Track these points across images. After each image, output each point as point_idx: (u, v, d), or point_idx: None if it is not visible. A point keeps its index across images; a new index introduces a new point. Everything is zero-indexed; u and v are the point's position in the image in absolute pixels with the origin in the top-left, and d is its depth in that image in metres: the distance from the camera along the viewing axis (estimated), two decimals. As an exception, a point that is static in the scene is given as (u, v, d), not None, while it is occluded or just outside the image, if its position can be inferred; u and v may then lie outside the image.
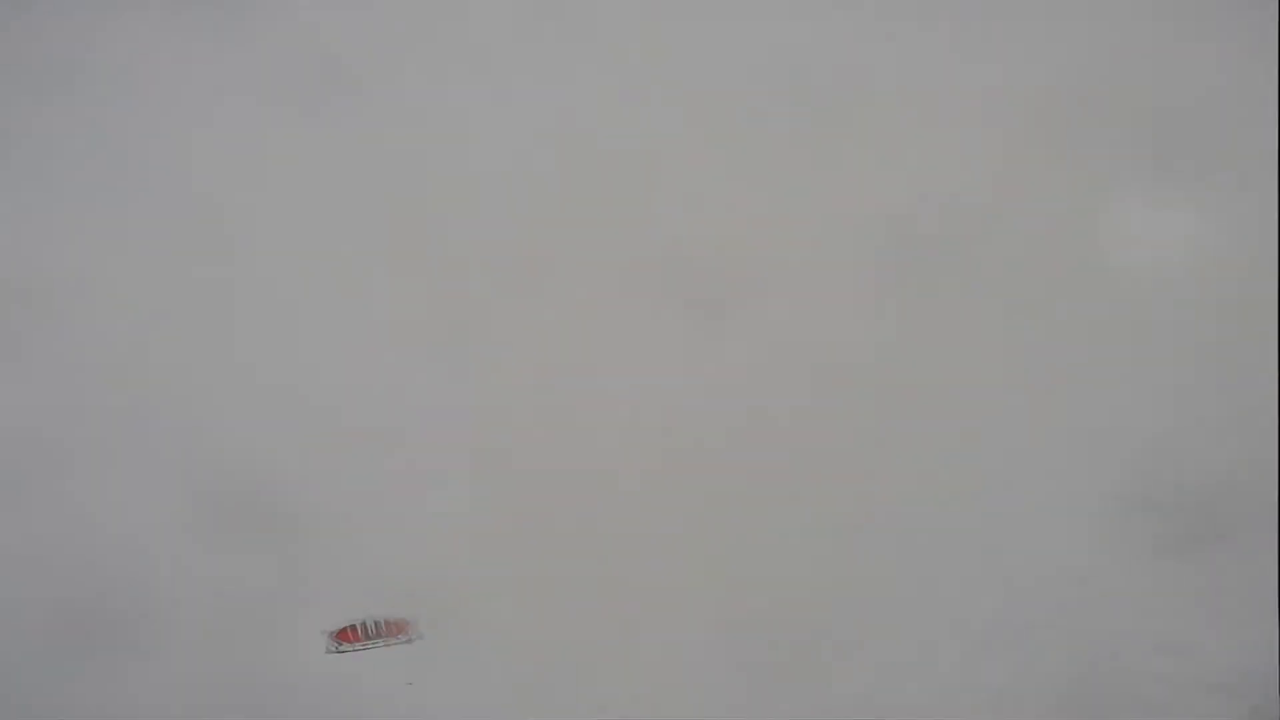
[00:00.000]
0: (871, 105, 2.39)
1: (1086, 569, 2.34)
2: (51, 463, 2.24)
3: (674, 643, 2.44)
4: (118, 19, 2.35)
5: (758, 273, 2.43)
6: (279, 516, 2.20)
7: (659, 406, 2.41)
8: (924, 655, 2.32)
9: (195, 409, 2.20)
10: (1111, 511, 2.33)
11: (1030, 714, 2.37)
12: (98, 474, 2.19)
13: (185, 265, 2.25)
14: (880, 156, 2.37)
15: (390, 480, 2.23)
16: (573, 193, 2.44)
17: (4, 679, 2.21)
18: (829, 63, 2.42)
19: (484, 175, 2.45)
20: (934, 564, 2.26)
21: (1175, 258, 2.25)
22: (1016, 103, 2.27)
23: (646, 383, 2.40)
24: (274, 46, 2.33)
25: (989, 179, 2.26)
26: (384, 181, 2.34)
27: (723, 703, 2.41)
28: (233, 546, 2.17)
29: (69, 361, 2.27)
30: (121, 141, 2.32)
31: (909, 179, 2.34)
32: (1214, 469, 2.34)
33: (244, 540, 2.19)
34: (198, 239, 2.30)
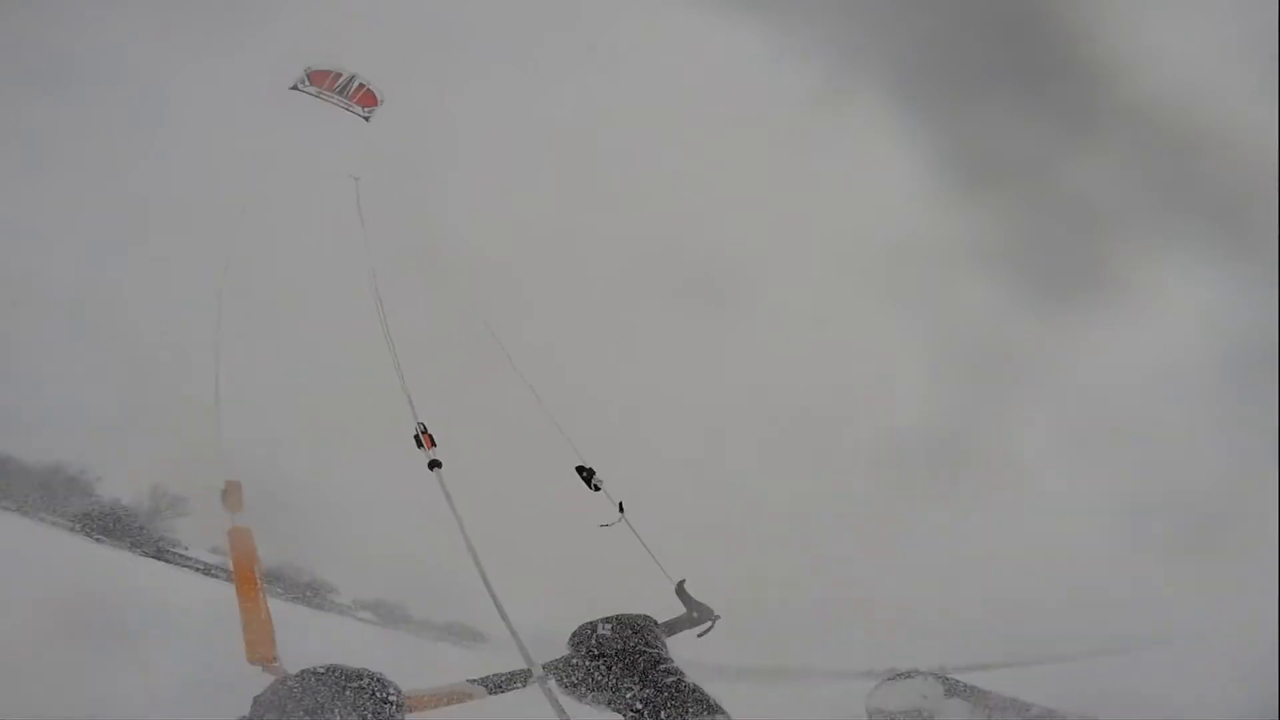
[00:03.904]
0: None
1: (1101, 564, 2.39)
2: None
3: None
4: (121, 20, 2.39)
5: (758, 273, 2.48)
6: (281, 508, 2.23)
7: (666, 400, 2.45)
8: (940, 627, 2.35)
9: (194, 406, 2.23)
10: (1125, 511, 2.37)
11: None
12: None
13: (186, 265, 2.29)
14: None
15: (393, 478, 2.26)
16: (573, 195, 2.49)
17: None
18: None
19: (486, 178, 2.49)
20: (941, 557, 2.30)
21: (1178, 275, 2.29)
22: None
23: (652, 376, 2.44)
24: (277, 48, 2.37)
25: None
26: (386, 183, 2.37)
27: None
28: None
29: (70, 360, 2.31)
30: (122, 140, 2.36)
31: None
32: (1216, 471, 2.37)
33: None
34: (199, 239, 2.33)
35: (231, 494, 3.81)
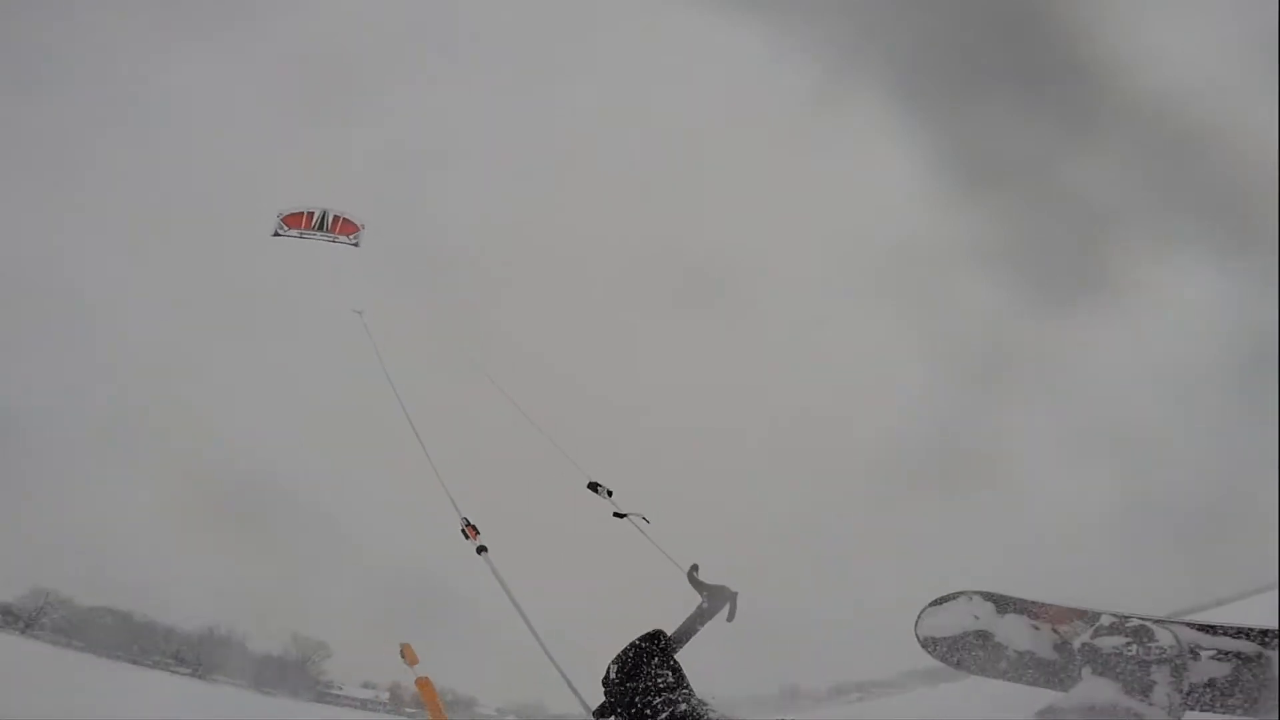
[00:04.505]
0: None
1: (1101, 562, 2.41)
2: (53, 460, 2.28)
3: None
4: (124, 24, 2.40)
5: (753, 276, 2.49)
6: (279, 514, 2.23)
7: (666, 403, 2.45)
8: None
9: (194, 408, 2.23)
10: (1125, 511, 2.39)
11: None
12: (98, 472, 2.22)
13: (188, 266, 2.29)
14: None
15: (394, 479, 2.27)
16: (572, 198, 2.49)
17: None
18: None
19: (484, 179, 2.50)
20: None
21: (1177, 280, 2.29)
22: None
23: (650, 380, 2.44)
24: (279, 52, 2.38)
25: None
26: (386, 184, 2.38)
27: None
28: (233, 543, 2.20)
29: (70, 360, 2.31)
30: (124, 143, 2.37)
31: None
32: (1216, 471, 2.38)
33: (244, 537, 2.21)
34: (200, 241, 2.34)
35: (408, 653, 4.67)
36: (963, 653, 6.29)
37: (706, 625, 4.90)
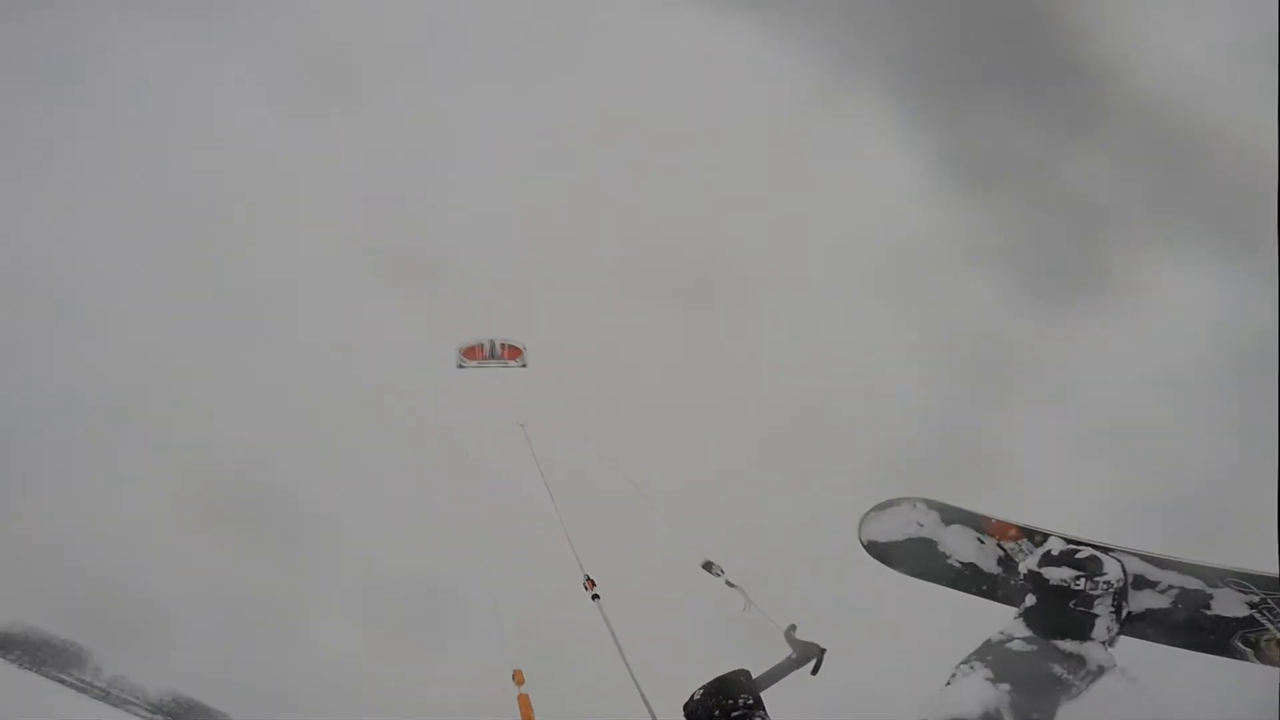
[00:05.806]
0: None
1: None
2: (53, 461, 2.28)
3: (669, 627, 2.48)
4: (124, 22, 2.40)
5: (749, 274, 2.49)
6: (280, 515, 2.23)
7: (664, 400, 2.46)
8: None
9: (195, 408, 2.23)
10: (1125, 511, 2.39)
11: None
12: (98, 473, 2.22)
13: (187, 266, 2.29)
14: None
15: (393, 480, 2.27)
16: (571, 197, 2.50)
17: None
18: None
19: (484, 178, 2.50)
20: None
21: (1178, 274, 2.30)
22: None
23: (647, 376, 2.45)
24: (279, 51, 2.38)
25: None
26: (386, 184, 2.38)
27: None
28: (234, 544, 2.20)
29: (71, 360, 2.31)
30: (125, 143, 2.37)
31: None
32: (1216, 470, 2.39)
33: (245, 538, 2.21)
34: (199, 240, 2.34)
35: (518, 676, 5.17)
36: (905, 558, 6.19)
37: (790, 674, 5.23)
